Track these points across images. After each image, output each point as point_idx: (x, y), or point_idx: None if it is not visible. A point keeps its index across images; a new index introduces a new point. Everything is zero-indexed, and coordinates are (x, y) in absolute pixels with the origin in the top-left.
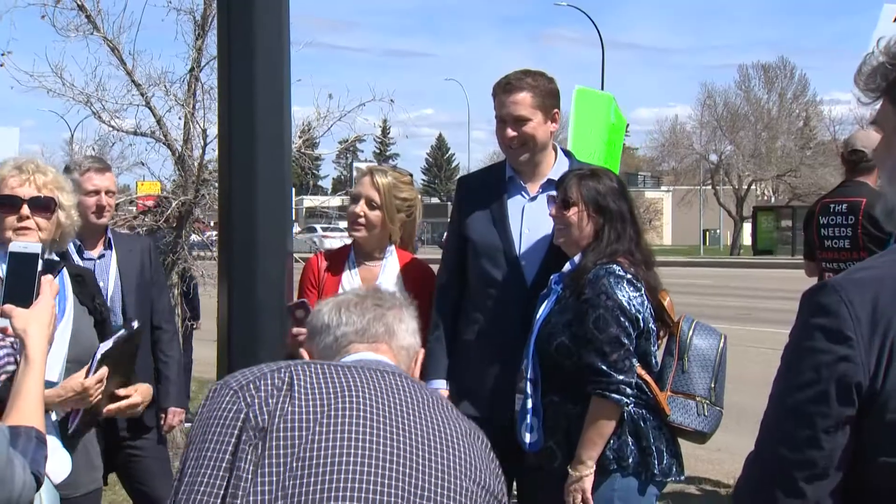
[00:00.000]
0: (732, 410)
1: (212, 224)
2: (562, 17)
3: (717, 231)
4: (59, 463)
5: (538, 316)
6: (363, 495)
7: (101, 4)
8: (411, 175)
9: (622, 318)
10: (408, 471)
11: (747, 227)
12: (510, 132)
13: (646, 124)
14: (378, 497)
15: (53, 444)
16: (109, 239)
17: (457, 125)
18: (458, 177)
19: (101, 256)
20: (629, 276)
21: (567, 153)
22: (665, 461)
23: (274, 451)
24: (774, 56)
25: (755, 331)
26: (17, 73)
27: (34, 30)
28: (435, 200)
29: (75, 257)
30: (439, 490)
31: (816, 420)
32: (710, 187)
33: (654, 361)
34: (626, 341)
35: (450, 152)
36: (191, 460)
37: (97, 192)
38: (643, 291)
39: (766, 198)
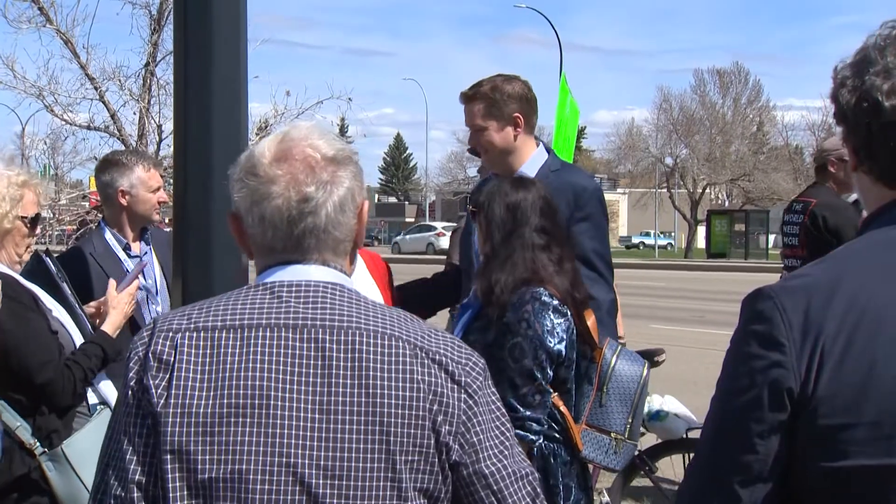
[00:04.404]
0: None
1: (167, 221)
2: (522, 19)
3: (672, 234)
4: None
5: (455, 330)
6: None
7: None
8: None
9: (539, 351)
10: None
11: (701, 230)
12: (471, 140)
13: (604, 127)
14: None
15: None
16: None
17: (416, 125)
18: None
19: (146, 253)
20: (555, 302)
21: (547, 149)
22: (573, 497)
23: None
24: (730, 61)
25: (708, 333)
26: None
27: None
28: (392, 200)
29: (122, 256)
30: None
31: (751, 425)
32: (665, 190)
33: (571, 388)
34: (538, 375)
35: (407, 152)
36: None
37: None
38: (569, 316)
39: (719, 201)
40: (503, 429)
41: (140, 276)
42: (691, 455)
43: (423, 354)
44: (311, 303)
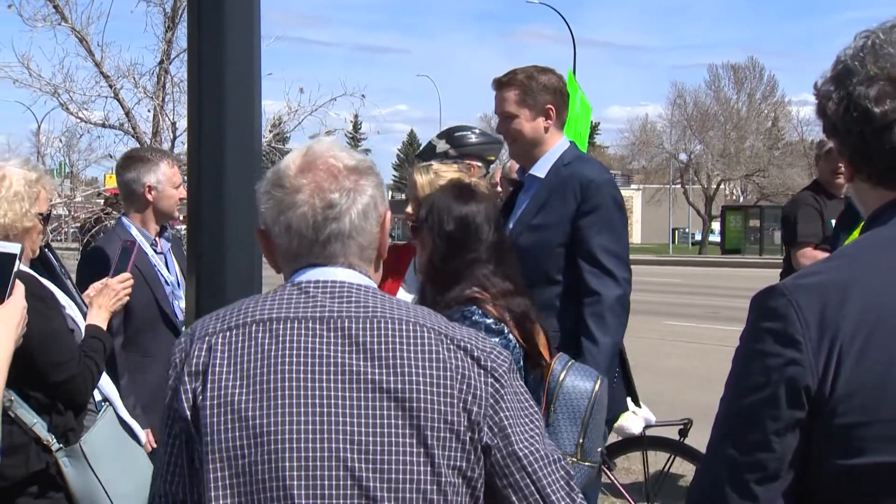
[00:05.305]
0: (700, 410)
1: (181, 218)
2: (534, 15)
3: (686, 230)
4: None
5: None
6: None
7: None
8: (457, 162)
9: None
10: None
11: (716, 226)
12: (500, 127)
13: (617, 123)
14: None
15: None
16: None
17: (430, 121)
18: None
19: (169, 250)
20: (488, 321)
21: (571, 143)
22: None
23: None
24: (745, 56)
25: (722, 329)
26: None
27: (0, 19)
28: (405, 196)
29: (149, 251)
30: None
31: (767, 423)
32: (679, 186)
33: None
34: None
35: (421, 148)
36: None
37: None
38: (507, 333)
39: (734, 197)
40: (533, 417)
41: (165, 271)
42: (649, 452)
43: (449, 341)
44: (338, 298)
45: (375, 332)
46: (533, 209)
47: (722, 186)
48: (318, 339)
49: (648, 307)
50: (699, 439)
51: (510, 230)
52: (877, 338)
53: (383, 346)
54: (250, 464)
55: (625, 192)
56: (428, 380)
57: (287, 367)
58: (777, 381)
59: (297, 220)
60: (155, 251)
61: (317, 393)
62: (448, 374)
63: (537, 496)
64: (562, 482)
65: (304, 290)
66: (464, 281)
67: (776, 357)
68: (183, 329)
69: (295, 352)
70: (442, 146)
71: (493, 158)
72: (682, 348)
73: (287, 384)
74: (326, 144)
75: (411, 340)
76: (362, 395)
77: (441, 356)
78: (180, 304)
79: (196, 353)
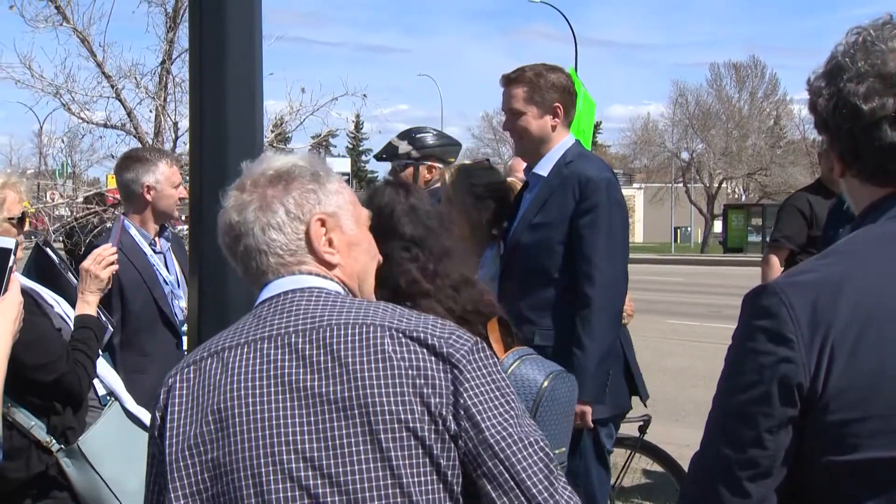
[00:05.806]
0: (702, 408)
1: (183, 218)
2: (536, 14)
3: (689, 228)
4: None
5: None
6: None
7: None
8: (488, 160)
9: None
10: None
11: (718, 225)
12: (506, 124)
13: (619, 121)
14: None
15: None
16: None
17: (431, 121)
18: None
19: (168, 249)
20: None
21: (576, 141)
22: None
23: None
24: (746, 54)
25: (724, 328)
26: None
27: (2, 20)
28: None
29: (147, 251)
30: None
31: (760, 420)
32: (681, 185)
33: None
34: None
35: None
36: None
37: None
38: None
39: (736, 196)
40: (504, 399)
41: (164, 271)
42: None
43: (400, 334)
44: (284, 313)
45: (320, 343)
46: (534, 208)
47: (724, 185)
48: (265, 360)
49: (651, 306)
50: (700, 437)
51: (514, 228)
52: (868, 335)
53: (329, 356)
54: (214, 496)
55: (627, 192)
56: (375, 382)
57: (237, 394)
58: (770, 379)
59: (222, 244)
60: (154, 251)
61: (266, 415)
62: (398, 371)
63: (512, 484)
64: (540, 465)
65: (257, 315)
66: (381, 285)
67: (768, 355)
68: (184, 329)
69: (243, 376)
70: (404, 147)
71: (452, 160)
72: (684, 347)
73: (238, 410)
74: (262, 156)
75: (357, 344)
76: (310, 409)
77: (388, 354)
78: (181, 304)
79: (162, 398)
